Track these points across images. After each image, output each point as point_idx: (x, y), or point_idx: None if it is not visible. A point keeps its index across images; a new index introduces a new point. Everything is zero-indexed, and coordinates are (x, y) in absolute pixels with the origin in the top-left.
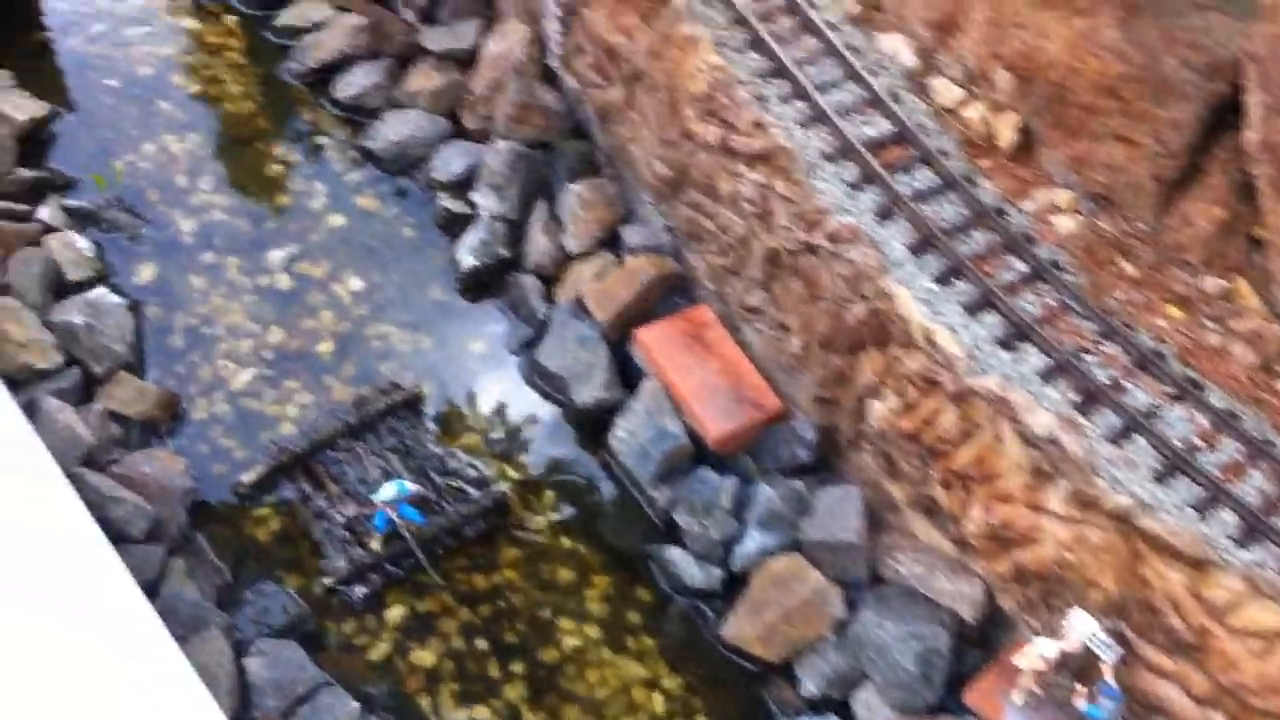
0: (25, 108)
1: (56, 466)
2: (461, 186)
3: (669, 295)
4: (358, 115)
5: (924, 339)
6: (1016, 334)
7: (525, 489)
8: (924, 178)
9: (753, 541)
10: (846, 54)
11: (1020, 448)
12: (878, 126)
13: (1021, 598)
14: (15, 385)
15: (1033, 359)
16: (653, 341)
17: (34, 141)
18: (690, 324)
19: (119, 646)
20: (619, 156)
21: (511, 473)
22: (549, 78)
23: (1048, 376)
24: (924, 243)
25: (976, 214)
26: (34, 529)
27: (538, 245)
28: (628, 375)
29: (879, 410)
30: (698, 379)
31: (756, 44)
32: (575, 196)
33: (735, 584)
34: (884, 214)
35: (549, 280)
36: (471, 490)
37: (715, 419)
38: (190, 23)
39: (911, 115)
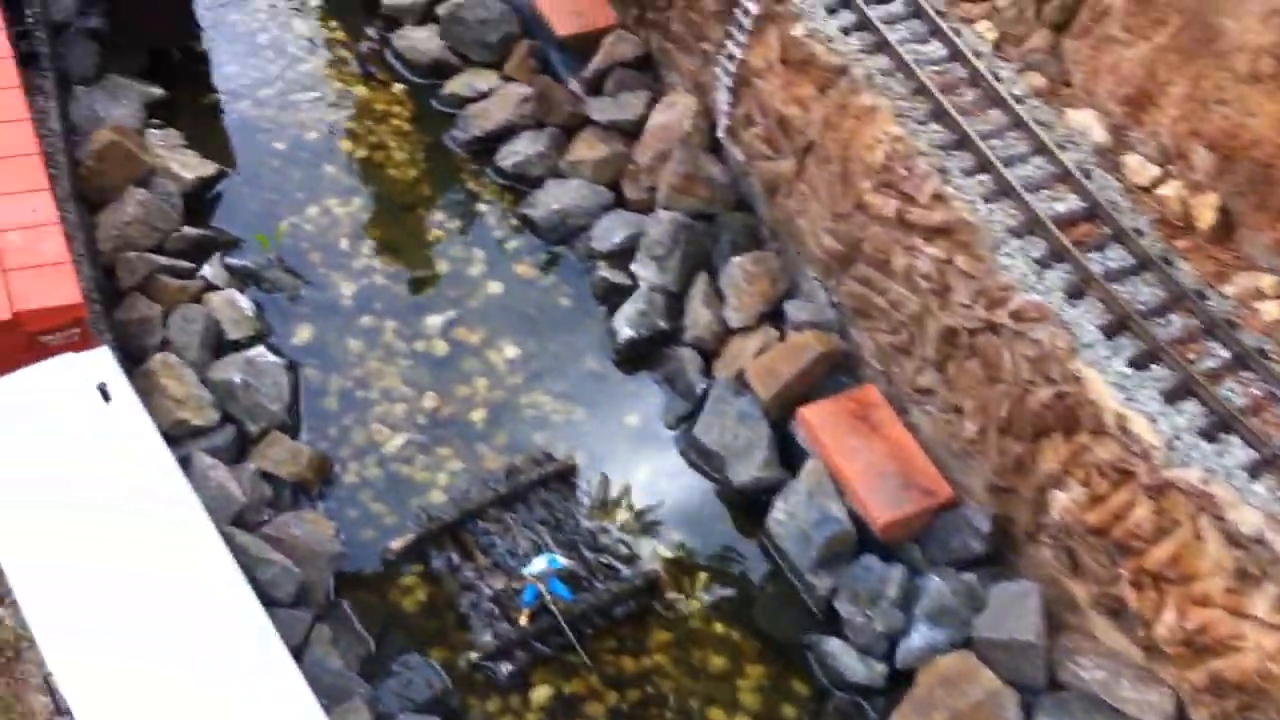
0: (193, 166)
1: (213, 524)
2: (621, 257)
3: (833, 373)
4: (519, 184)
5: (1117, 426)
6: (1220, 424)
7: (678, 569)
8: (1117, 256)
9: (920, 636)
10: (1034, 127)
11: (1223, 547)
12: (1067, 202)
13: (1217, 711)
14: (171, 441)
15: (1237, 452)
16: (817, 421)
17: (200, 200)
18: (856, 404)
19: (269, 712)
20: (785, 229)
21: (664, 551)
22: (714, 149)
23: (1254, 471)
24: (1118, 324)
25: (1174, 296)
26: (189, 586)
27: (698, 318)
28: (788, 455)
29: (1063, 501)
30: (863, 461)
31: (939, 115)
32: (738, 269)
33: (899, 681)
34: (1074, 293)
35: (708, 354)
36: (623, 568)
37: (882, 504)
38: (359, 90)
39: (1103, 192)
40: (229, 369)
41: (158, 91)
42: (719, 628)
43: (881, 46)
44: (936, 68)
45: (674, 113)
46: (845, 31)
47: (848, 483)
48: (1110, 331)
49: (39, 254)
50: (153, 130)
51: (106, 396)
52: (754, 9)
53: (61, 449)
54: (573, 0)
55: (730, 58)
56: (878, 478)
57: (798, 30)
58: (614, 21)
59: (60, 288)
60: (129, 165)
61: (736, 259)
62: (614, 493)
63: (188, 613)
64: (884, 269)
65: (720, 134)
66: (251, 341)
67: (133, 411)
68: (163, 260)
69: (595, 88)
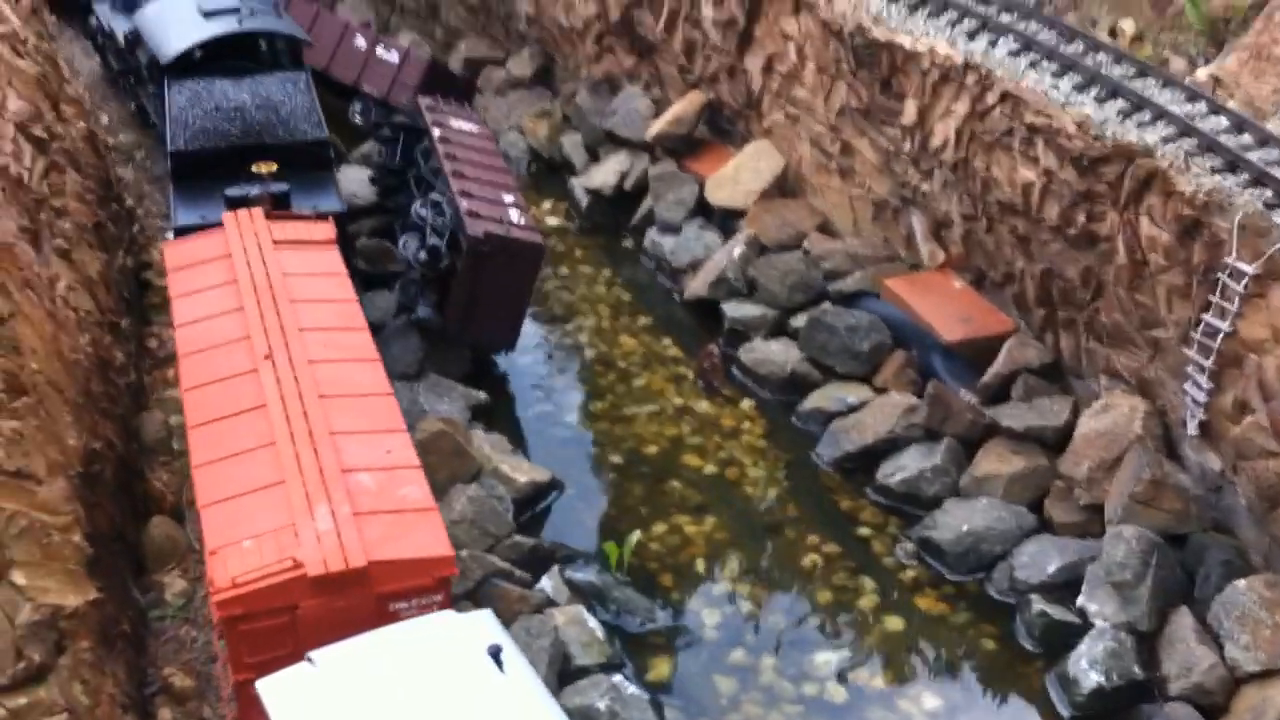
0: (525, 470)
1: None
2: (1061, 589)
3: None
4: (908, 504)
5: None
6: None
7: None
8: None
9: None
10: None
11: None
12: None
13: None
14: None
15: None
16: None
17: (532, 508)
18: None
19: None
20: None
21: None
22: (1173, 456)
23: None
24: None
25: None
26: None
27: (1190, 662)
28: None
29: None
30: None
31: None
32: (1251, 596)
33: None
34: None
35: (1210, 710)
36: None
37: None
38: (701, 405)
39: None
40: (591, 693)
41: (481, 395)
42: None
43: None
44: None
45: (1113, 416)
46: None
47: None
48: None
49: (398, 499)
50: (478, 430)
51: (500, 663)
52: (1248, 269)
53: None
54: (958, 306)
55: (1210, 334)
56: None
57: None
58: (1010, 326)
59: (425, 536)
60: (457, 460)
61: (1242, 582)
62: None
63: None
64: None
65: (1190, 433)
66: (604, 669)
67: (533, 685)
68: (500, 563)
69: (996, 396)
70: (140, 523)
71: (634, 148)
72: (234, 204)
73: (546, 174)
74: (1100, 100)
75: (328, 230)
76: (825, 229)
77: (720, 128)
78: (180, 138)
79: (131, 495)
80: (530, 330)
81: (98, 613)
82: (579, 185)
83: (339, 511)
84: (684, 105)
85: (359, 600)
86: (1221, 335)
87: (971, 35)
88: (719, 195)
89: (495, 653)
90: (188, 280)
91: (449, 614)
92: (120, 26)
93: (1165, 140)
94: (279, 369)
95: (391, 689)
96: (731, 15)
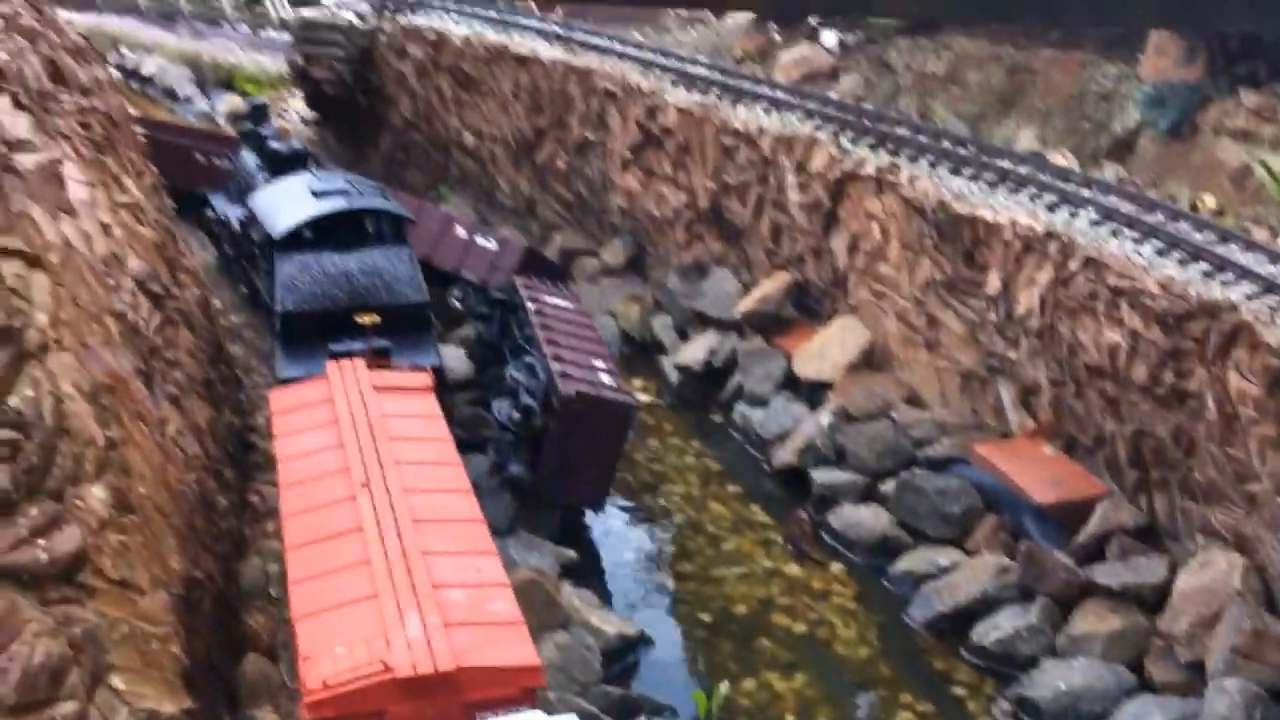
0: (614, 623)
1: None
2: None
3: None
4: (1004, 664)
5: None
6: None
7: None
8: None
9: None
10: None
11: None
12: None
13: None
14: None
15: None
16: None
17: (621, 661)
18: None
19: None
20: None
21: None
22: (1274, 611)
23: None
24: None
25: None
26: None
27: None
28: None
29: None
30: None
31: None
32: None
33: None
34: None
35: None
36: None
37: None
38: (790, 568)
39: None
40: None
41: (570, 553)
42: None
43: None
44: None
45: (1212, 573)
46: None
47: None
48: None
49: (487, 612)
50: (567, 585)
51: None
52: None
53: None
54: (1049, 470)
55: None
56: None
57: None
58: (1102, 490)
59: (513, 647)
60: (547, 611)
61: None
62: None
63: None
64: None
65: None
66: None
67: None
68: (588, 706)
69: (1090, 556)
70: (236, 659)
71: (722, 327)
72: (337, 358)
73: (638, 355)
74: (1183, 263)
75: (424, 378)
76: (913, 400)
77: (808, 307)
78: (288, 300)
79: (228, 632)
80: (620, 496)
81: None
82: (669, 363)
83: (429, 621)
84: (771, 284)
85: (447, 708)
86: None
87: (1052, 208)
88: (806, 369)
89: None
90: (291, 421)
91: (538, 713)
92: (234, 213)
93: (1249, 297)
94: (375, 496)
95: None
96: (817, 198)
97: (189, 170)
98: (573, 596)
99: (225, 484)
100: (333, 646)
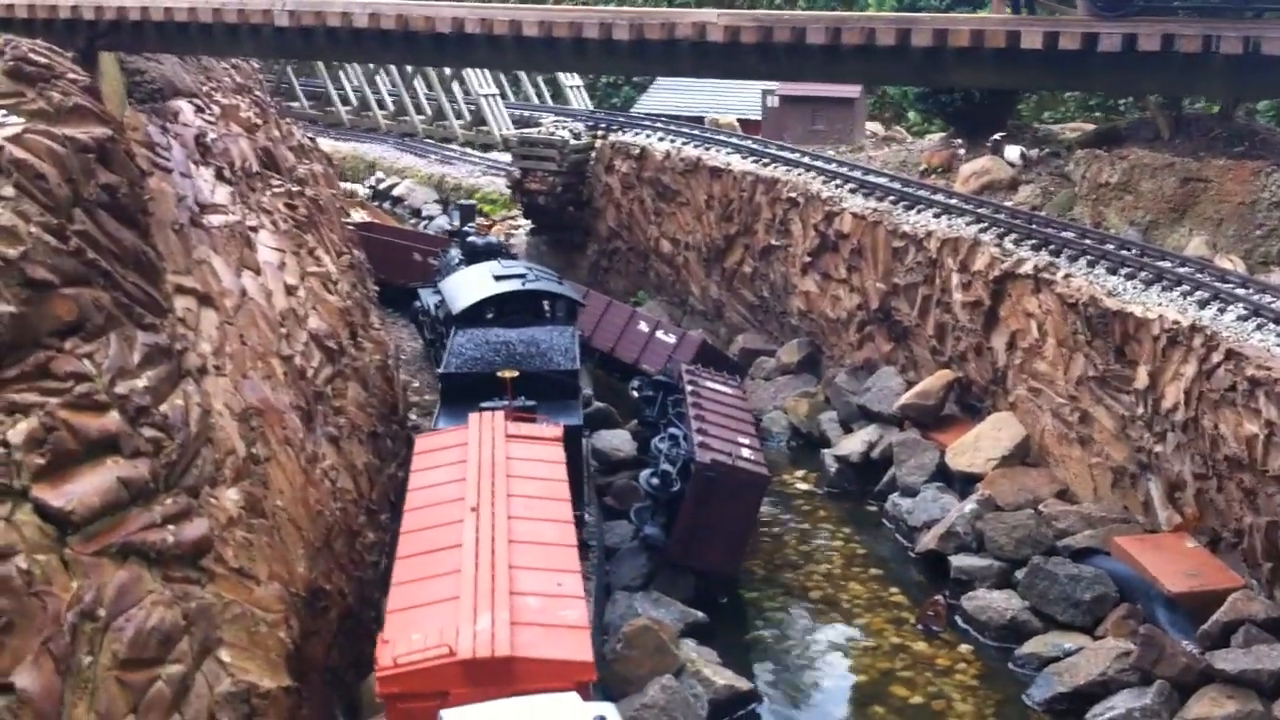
0: (727, 676)
1: None
2: None
3: None
4: None
5: None
6: None
7: None
8: None
9: None
10: None
11: None
12: None
13: None
14: None
15: None
16: None
17: (732, 713)
18: None
19: None
20: None
21: None
22: None
23: None
24: None
25: None
26: None
27: None
28: None
29: None
30: None
31: None
32: None
33: None
34: None
35: None
36: None
37: None
38: (917, 645)
39: None
40: None
41: (699, 614)
42: None
43: None
44: None
45: None
46: None
47: None
48: None
49: (555, 616)
50: (688, 640)
51: None
52: None
53: None
54: (1187, 563)
55: None
56: None
57: None
58: (1239, 583)
59: (571, 644)
60: (659, 657)
61: None
62: None
63: None
64: None
65: None
66: None
67: None
68: None
69: (1215, 644)
70: (361, 675)
71: (884, 421)
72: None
73: (804, 448)
74: None
75: (556, 431)
76: (1064, 496)
77: (969, 405)
78: (450, 364)
79: (357, 649)
80: (761, 571)
81: (290, 700)
82: (829, 455)
83: (499, 618)
84: (932, 380)
85: (505, 695)
86: None
87: (1202, 304)
88: (959, 461)
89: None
90: (428, 459)
91: (572, 695)
92: (432, 300)
93: None
94: (481, 518)
95: None
96: (979, 297)
97: (407, 268)
98: (692, 651)
99: (377, 523)
100: (411, 635)
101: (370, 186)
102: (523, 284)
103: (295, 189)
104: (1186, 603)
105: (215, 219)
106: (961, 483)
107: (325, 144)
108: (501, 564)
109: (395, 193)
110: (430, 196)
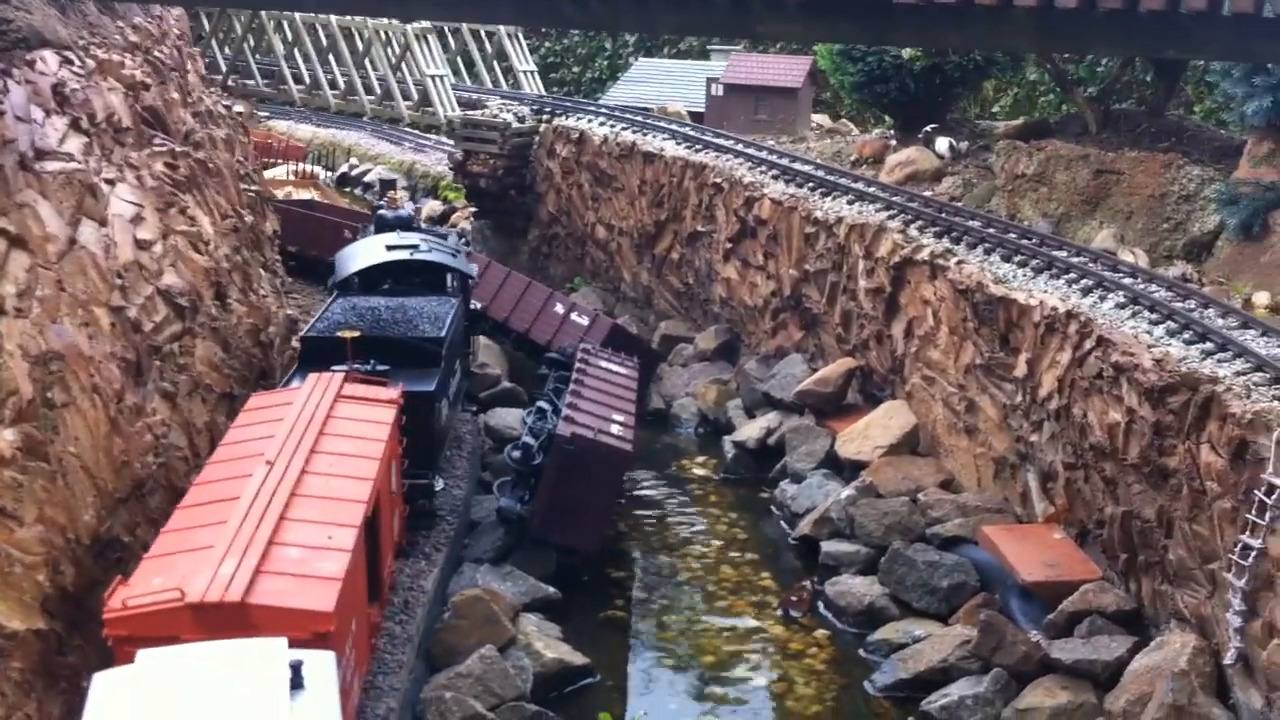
0: (559, 651)
1: None
2: None
3: None
4: None
5: None
6: None
7: None
8: None
9: None
10: None
11: None
12: None
13: None
14: None
15: None
16: None
17: (561, 688)
18: None
19: None
20: None
21: None
22: (1221, 695)
23: None
24: None
25: None
26: None
27: None
28: None
29: None
30: None
31: None
32: None
33: None
34: None
35: None
36: None
37: None
38: (776, 630)
39: None
40: None
41: (550, 590)
42: None
43: None
44: None
45: (1164, 653)
46: None
47: None
48: None
49: (309, 568)
50: (530, 615)
51: (299, 683)
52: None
53: None
54: (1049, 553)
55: (1245, 555)
56: None
57: None
58: (1096, 575)
59: (313, 595)
60: (488, 628)
61: None
62: None
63: None
64: None
65: (1227, 662)
66: None
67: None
68: (490, 717)
69: (1060, 634)
70: None
71: (785, 408)
72: None
73: (710, 436)
74: (1189, 342)
75: (393, 394)
76: (949, 486)
77: (871, 394)
78: (313, 330)
79: None
80: (636, 553)
81: (40, 644)
82: (728, 441)
83: (244, 565)
84: (832, 368)
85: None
86: (1254, 554)
87: (1085, 292)
88: (848, 449)
89: (297, 667)
90: (251, 415)
91: (281, 641)
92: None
93: (1239, 374)
94: (272, 472)
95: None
96: (881, 284)
97: (338, 244)
98: (530, 624)
99: None
100: (153, 580)
101: (342, 171)
102: (410, 255)
103: (180, 149)
104: (1040, 592)
105: (52, 165)
106: (850, 470)
107: (305, 129)
108: (273, 515)
109: (367, 179)
110: (401, 183)
